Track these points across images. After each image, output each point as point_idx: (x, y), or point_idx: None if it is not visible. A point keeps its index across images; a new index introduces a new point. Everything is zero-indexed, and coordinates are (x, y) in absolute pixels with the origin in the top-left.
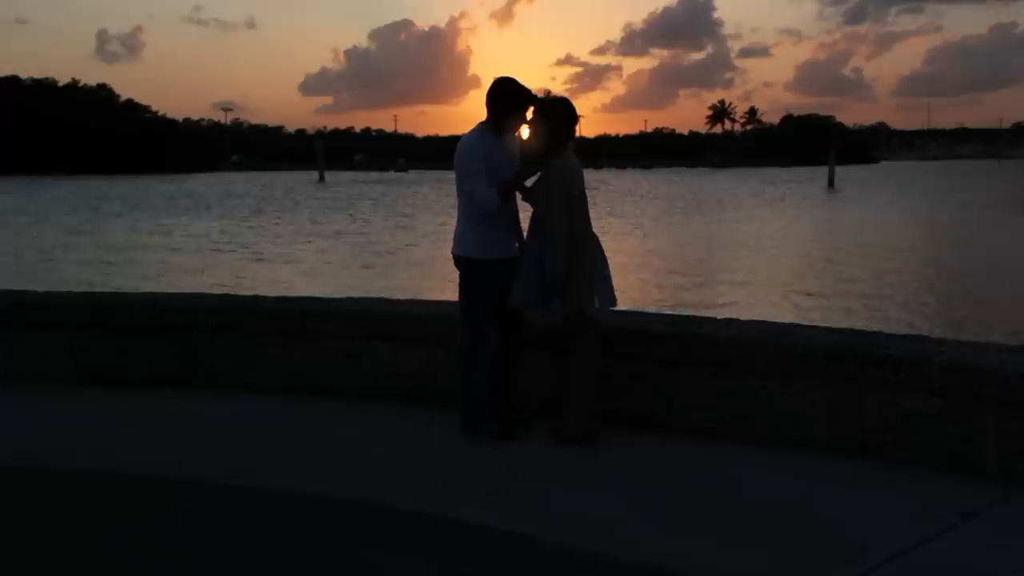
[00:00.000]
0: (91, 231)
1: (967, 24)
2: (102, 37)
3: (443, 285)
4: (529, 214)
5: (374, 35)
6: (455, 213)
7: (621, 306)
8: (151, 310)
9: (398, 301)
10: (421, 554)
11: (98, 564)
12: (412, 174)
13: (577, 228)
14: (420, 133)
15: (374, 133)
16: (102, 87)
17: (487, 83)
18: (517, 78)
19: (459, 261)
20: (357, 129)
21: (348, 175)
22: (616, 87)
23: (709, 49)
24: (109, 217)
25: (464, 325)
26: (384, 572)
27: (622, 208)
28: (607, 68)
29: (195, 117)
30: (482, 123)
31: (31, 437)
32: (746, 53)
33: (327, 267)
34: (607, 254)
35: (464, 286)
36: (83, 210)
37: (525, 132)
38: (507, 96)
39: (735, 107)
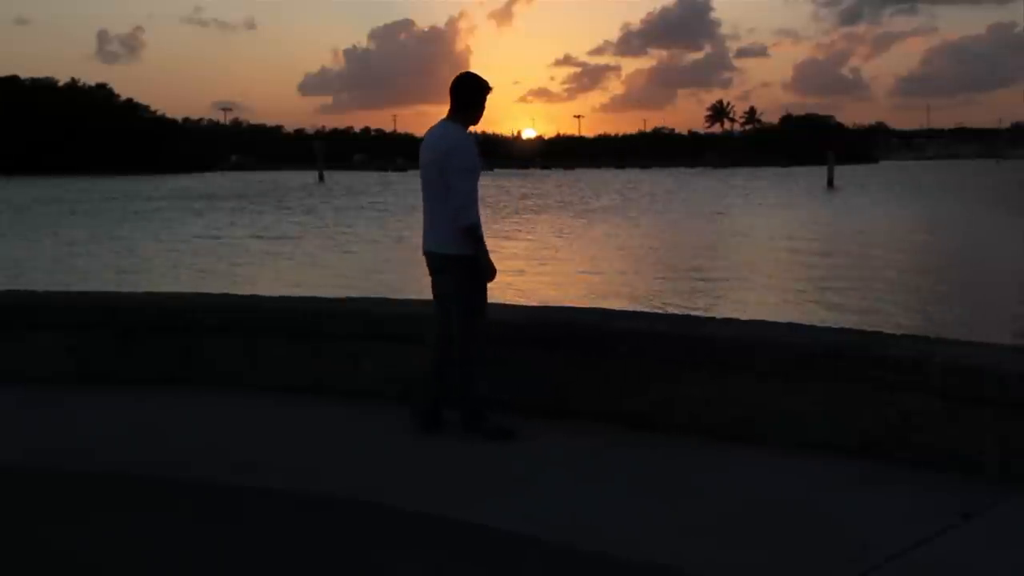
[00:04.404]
0: (87, 230)
1: (961, 25)
2: (102, 37)
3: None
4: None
5: (374, 35)
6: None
7: (620, 306)
8: (151, 310)
9: (398, 301)
10: (421, 554)
11: (98, 564)
12: (411, 174)
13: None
14: (419, 133)
15: (373, 133)
16: (101, 87)
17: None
18: (515, 78)
19: (454, 260)
20: (356, 129)
21: (348, 175)
22: (615, 87)
23: (707, 49)
24: (105, 216)
25: (460, 323)
26: (384, 572)
27: (621, 207)
28: (606, 68)
29: (195, 117)
30: (454, 120)
31: (31, 437)
32: (744, 53)
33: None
34: (606, 253)
35: (460, 285)
36: (83, 209)
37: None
38: (477, 89)
39: (734, 107)
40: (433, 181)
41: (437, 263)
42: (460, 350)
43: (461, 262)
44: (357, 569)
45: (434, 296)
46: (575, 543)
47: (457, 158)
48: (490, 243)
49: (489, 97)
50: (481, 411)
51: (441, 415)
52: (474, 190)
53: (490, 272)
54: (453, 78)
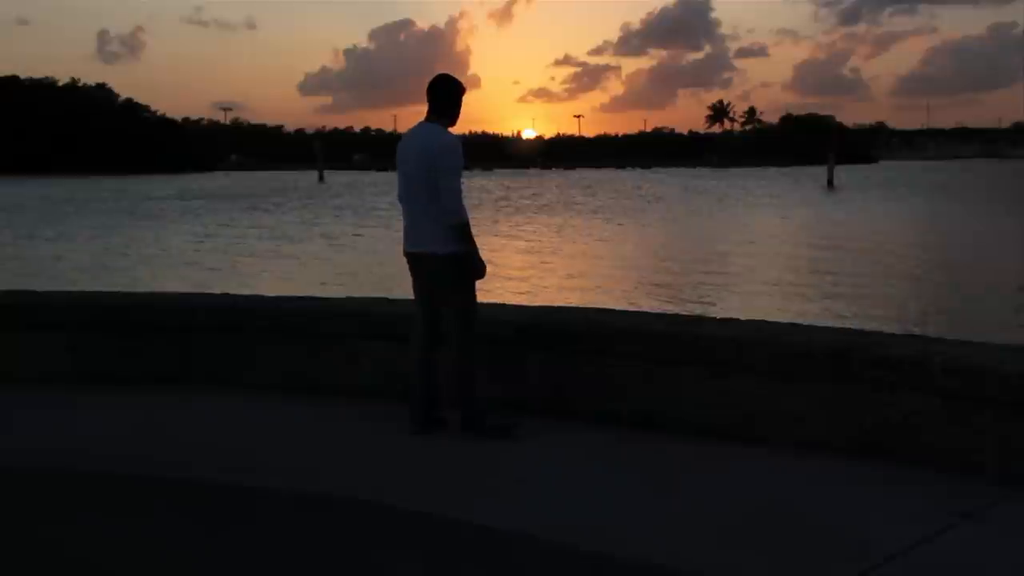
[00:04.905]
0: (87, 230)
1: (961, 25)
2: (102, 37)
3: None
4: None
5: (374, 35)
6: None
7: (620, 305)
8: (151, 310)
9: (398, 301)
10: (421, 554)
11: (98, 563)
12: None
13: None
14: None
15: (373, 133)
16: (101, 87)
17: (487, 83)
18: (515, 78)
19: (444, 259)
20: (357, 129)
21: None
22: (615, 87)
23: (707, 49)
24: (105, 215)
25: (458, 324)
26: (384, 572)
27: (621, 206)
28: (606, 68)
29: (195, 117)
30: (435, 121)
31: (31, 437)
32: (744, 53)
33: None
34: (606, 252)
35: (455, 285)
36: (86, 210)
37: None
38: (456, 91)
39: (734, 107)
40: (421, 182)
41: (426, 263)
42: (459, 351)
43: (451, 261)
44: (357, 569)
45: (417, 296)
46: (575, 543)
47: (448, 158)
48: (491, 243)
49: (489, 97)
50: (483, 411)
51: (437, 415)
52: (461, 189)
53: (482, 269)
54: (431, 82)
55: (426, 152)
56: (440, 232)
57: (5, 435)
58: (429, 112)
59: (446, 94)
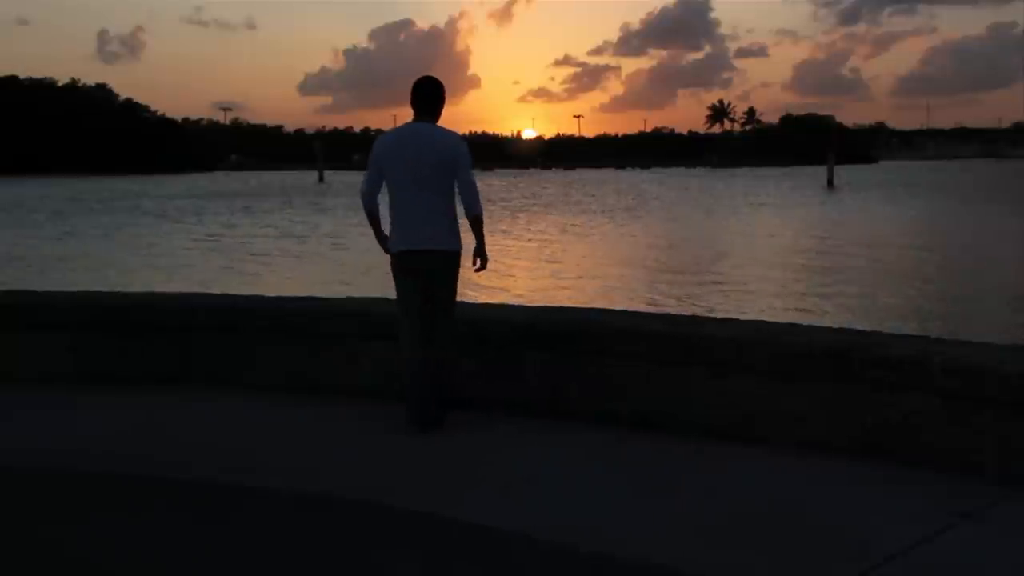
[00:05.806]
0: (87, 230)
1: (961, 25)
2: (102, 37)
3: None
4: None
5: (374, 35)
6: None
7: (620, 306)
8: (151, 310)
9: None
10: (421, 554)
11: (98, 563)
12: None
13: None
14: None
15: (373, 133)
16: (101, 87)
17: (487, 83)
18: (515, 78)
19: (452, 256)
20: (356, 129)
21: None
22: (615, 87)
23: (707, 49)
24: (104, 216)
25: (451, 319)
26: (384, 572)
27: (621, 207)
28: (606, 68)
29: (195, 117)
30: (431, 120)
31: (31, 437)
32: (743, 53)
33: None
34: (606, 252)
35: (451, 280)
36: (82, 209)
37: None
38: (444, 92)
39: (734, 107)
40: (436, 179)
41: (429, 260)
42: (451, 347)
43: (455, 257)
44: (357, 569)
45: (410, 295)
46: (575, 543)
47: (466, 155)
48: (490, 241)
49: (489, 97)
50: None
51: (436, 414)
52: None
53: (486, 261)
54: (424, 83)
55: (438, 148)
56: (447, 228)
57: (5, 435)
58: (420, 112)
59: (437, 96)
